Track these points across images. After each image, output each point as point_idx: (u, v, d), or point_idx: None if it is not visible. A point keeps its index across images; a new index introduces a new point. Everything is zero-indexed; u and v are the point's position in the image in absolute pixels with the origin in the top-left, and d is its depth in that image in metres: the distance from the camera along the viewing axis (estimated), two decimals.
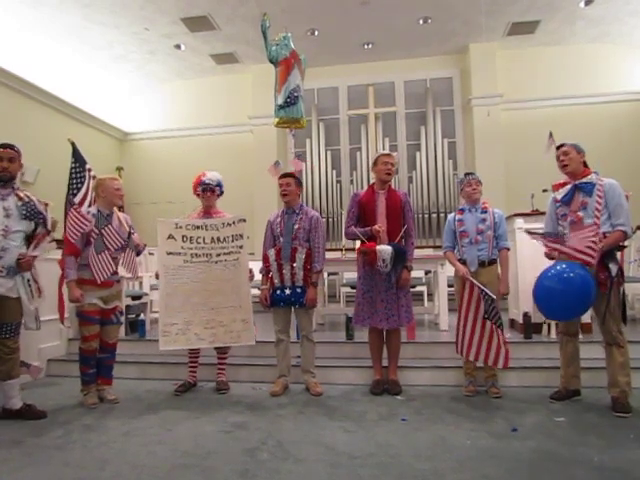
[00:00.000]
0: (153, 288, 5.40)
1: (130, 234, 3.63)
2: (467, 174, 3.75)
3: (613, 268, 3.06)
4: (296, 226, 3.76)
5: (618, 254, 3.17)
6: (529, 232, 3.49)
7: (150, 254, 6.17)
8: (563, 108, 8.00)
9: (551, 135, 3.43)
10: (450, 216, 3.81)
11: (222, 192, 4.04)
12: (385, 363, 3.84)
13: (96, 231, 3.46)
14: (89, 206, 4.33)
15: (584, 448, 2.57)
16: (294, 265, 3.71)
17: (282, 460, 2.50)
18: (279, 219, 3.83)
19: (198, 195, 3.96)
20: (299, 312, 3.80)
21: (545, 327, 4.38)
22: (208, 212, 3.94)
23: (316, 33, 7.73)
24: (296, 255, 3.71)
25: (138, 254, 3.79)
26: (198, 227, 3.75)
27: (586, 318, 3.87)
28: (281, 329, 3.81)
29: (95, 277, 3.42)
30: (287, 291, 3.72)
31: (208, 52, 8.24)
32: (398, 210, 3.70)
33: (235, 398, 3.65)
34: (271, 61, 5.04)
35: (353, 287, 6.13)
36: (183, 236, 3.72)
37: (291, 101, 4.87)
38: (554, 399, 3.38)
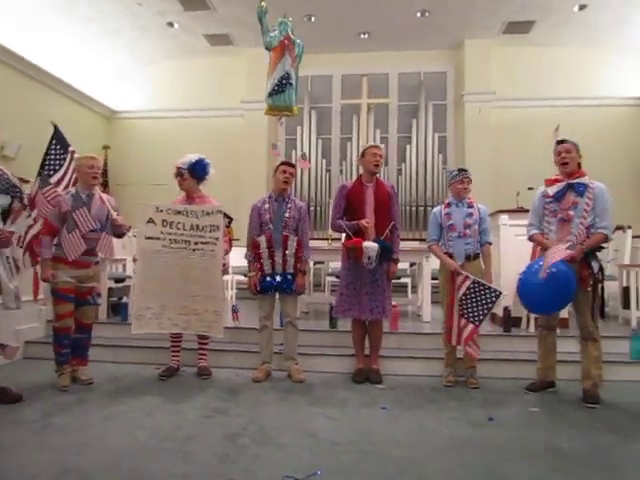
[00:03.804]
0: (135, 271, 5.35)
1: (109, 215, 3.57)
2: (461, 170, 3.73)
3: (595, 266, 3.19)
4: (287, 215, 3.76)
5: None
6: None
7: (134, 236, 6.09)
8: (553, 109, 8.05)
9: (558, 129, 3.42)
10: (436, 209, 3.83)
11: (202, 176, 3.89)
12: (367, 352, 3.87)
13: (71, 211, 3.43)
14: (66, 187, 4.21)
15: (555, 436, 2.67)
16: (286, 252, 3.71)
17: (263, 445, 2.52)
18: (267, 205, 3.80)
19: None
20: (286, 298, 3.81)
21: (524, 321, 4.46)
22: (190, 197, 3.87)
23: (313, 19, 7.65)
24: (288, 243, 3.71)
25: (121, 235, 3.74)
26: (179, 212, 3.69)
27: (564, 313, 3.96)
28: (266, 315, 3.81)
29: (66, 255, 3.39)
30: (278, 278, 3.72)
31: (202, 32, 8.11)
32: (386, 203, 3.71)
33: (217, 384, 3.66)
34: (267, 48, 4.99)
35: (339, 277, 6.16)
36: (163, 220, 3.66)
37: (280, 89, 4.82)
38: (529, 390, 3.48)
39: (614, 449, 2.51)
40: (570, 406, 3.18)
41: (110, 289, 5.05)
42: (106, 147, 9.02)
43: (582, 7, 7.00)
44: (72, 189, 3.60)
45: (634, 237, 5.58)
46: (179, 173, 3.83)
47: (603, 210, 3.19)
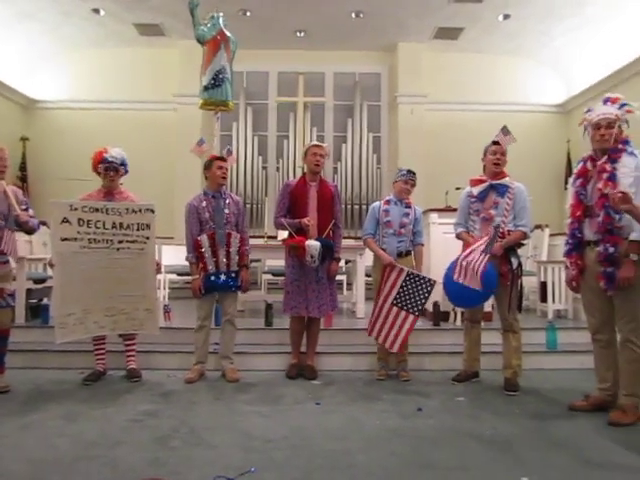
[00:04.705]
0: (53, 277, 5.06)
1: (10, 210, 3.29)
2: (410, 172, 3.81)
3: (514, 262, 3.41)
4: (227, 211, 3.71)
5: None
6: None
7: None
8: (479, 113, 8.43)
9: (505, 128, 3.54)
10: (375, 204, 3.92)
11: (127, 171, 3.76)
12: (303, 349, 3.90)
13: None
14: None
15: (478, 423, 2.83)
16: (230, 250, 3.65)
17: (194, 446, 2.47)
18: (204, 203, 3.70)
19: (99, 173, 3.68)
20: (226, 296, 3.76)
21: (452, 315, 4.68)
22: (110, 193, 3.68)
23: (248, 14, 7.54)
24: (231, 240, 3.66)
25: (30, 232, 3.49)
26: (97, 210, 3.46)
27: (487, 307, 4.20)
28: (206, 315, 3.74)
29: None
30: (222, 277, 3.65)
31: (131, 21, 7.73)
32: (329, 203, 3.77)
33: (147, 386, 3.53)
34: (198, 41, 4.88)
35: (275, 274, 6.15)
36: (79, 219, 3.42)
37: (216, 83, 4.74)
38: (456, 381, 3.65)
39: (532, 433, 2.69)
40: (492, 394, 3.37)
41: (29, 290, 4.72)
42: (24, 139, 8.38)
43: (506, 17, 7.40)
44: None
45: (551, 235, 6.01)
46: (112, 167, 3.62)
47: (522, 209, 3.41)
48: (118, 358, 3.80)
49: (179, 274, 6.30)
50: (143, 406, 3.07)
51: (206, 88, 4.89)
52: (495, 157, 3.47)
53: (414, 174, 3.82)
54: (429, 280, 3.61)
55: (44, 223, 4.38)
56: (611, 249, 2.73)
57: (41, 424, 2.76)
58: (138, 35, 8.19)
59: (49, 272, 5.09)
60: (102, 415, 2.92)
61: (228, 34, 5.00)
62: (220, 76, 4.75)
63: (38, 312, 4.61)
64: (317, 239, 3.58)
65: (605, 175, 2.78)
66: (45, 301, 4.64)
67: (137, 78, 8.61)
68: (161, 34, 8.16)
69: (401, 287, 3.61)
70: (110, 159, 3.62)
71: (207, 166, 3.79)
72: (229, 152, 4.90)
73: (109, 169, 3.63)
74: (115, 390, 3.43)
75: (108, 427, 2.72)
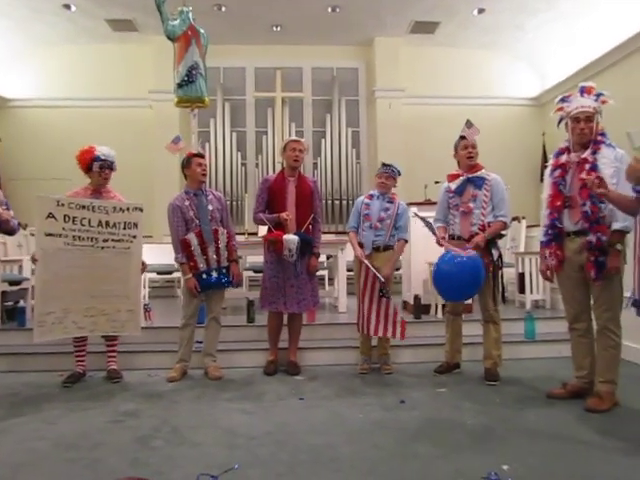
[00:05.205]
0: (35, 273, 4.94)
1: None
2: (384, 165, 3.81)
3: (495, 253, 3.46)
4: (210, 207, 3.69)
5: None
6: (422, 219, 3.65)
7: (32, 235, 5.61)
8: (456, 107, 8.50)
9: (468, 121, 3.57)
10: (360, 198, 3.95)
11: (114, 170, 3.73)
12: (282, 345, 3.89)
13: None
14: None
15: (460, 413, 2.87)
16: (219, 246, 3.64)
17: (177, 446, 2.45)
18: (187, 202, 3.67)
19: (88, 171, 3.61)
20: (215, 294, 3.75)
21: (433, 307, 4.72)
22: (98, 192, 3.63)
23: (223, 9, 7.47)
24: (219, 236, 3.65)
25: (10, 232, 3.41)
26: (84, 207, 3.43)
27: (468, 299, 4.24)
28: (192, 313, 3.72)
29: None
30: (214, 274, 3.63)
31: (103, 17, 7.58)
32: (308, 198, 3.76)
33: (128, 387, 3.48)
34: (169, 37, 4.80)
35: (256, 271, 6.12)
36: (65, 215, 3.37)
37: (190, 79, 4.67)
38: (438, 372, 3.69)
39: (511, 421, 2.74)
40: (473, 385, 3.42)
41: (4, 292, 4.61)
42: None
43: (481, 11, 7.49)
44: None
45: (528, 227, 6.11)
46: (107, 165, 3.58)
47: (500, 200, 3.46)
48: (99, 359, 3.74)
49: (159, 273, 6.23)
50: (124, 406, 3.04)
51: (180, 85, 4.81)
52: (467, 151, 3.50)
53: (388, 167, 3.78)
54: (385, 291, 3.56)
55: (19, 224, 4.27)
56: (603, 238, 2.77)
57: (19, 428, 2.71)
58: (111, 31, 8.04)
59: (25, 273, 5.00)
60: (82, 417, 2.87)
61: (199, 29, 4.91)
62: (193, 72, 4.68)
63: (14, 315, 4.50)
64: (295, 233, 3.58)
65: (587, 166, 2.83)
66: (21, 303, 4.54)
67: (111, 75, 8.46)
68: (134, 30, 8.03)
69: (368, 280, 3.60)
70: (104, 157, 3.58)
71: (185, 164, 3.74)
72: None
73: (104, 167, 3.58)
74: (95, 391, 3.37)
75: (88, 429, 2.67)
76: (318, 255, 3.82)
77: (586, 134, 2.87)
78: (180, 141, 4.48)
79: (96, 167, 3.56)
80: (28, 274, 4.96)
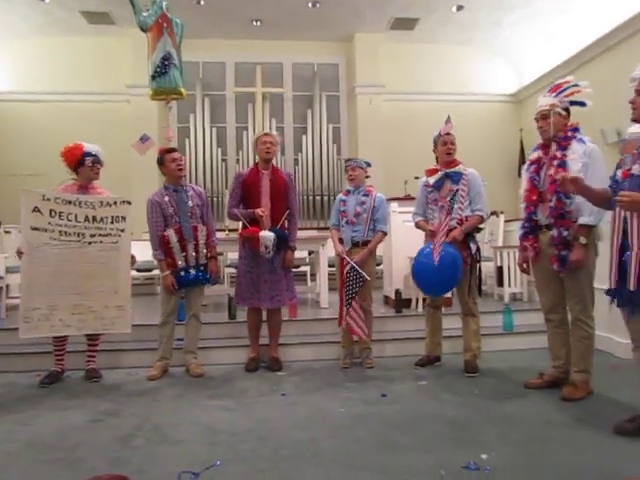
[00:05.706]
0: (10, 271, 4.83)
1: None
2: (347, 160, 3.91)
3: (473, 247, 3.51)
4: (190, 203, 3.64)
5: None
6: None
7: (6, 232, 5.48)
8: (435, 103, 8.55)
9: (448, 118, 3.63)
10: (338, 195, 3.99)
11: (102, 165, 3.71)
12: (262, 341, 3.89)
13: None
14: None
15: (441, 405, 2.91)
16: (199, 243, 3.61)
17: (158, 444, 2.43)
18: (167, 198, 3.62)
19: (78, 167, 3.55)
20: (193, 291, 3.71)
21: (414, 302, 4.77)
22: (85, 187, 3.58)
23: (202, 2, 7.36)
24: (198, 233, 3.62)
25: None
26: (70, 202, 3.39)
27: (448, 293, 4.30)
28: (171, 311, 3.68)
29: None
30: (192, 271, 3.60)
31: (78, 8, 7.41)
32: (282, 191, 3.74)
33: (108, 386, 3.44)
34: (142, 29, 4.68)
35: (237, 267, 6.08)
36: (51, 210, 3.34)
37: (162, 70, 4.55)
38: (419, 365, 3.73)
39: (490, 411, 2.79)
40: (453, 377, 3.47)
41: None
42: None
43: (459, 8, 7.54)
44: None
45: (506, 221, 6.22)
46: (98, 161, 3.56)
47: (477, 194, 3.52)
48: (78, 358, 3.68)
49: (139, 270, 6.15)
50: (104, 406, 3.00)
51: (153, 77, 4.69)
52: (446, 147, 3.56)
53: (350, 160, 3.89)
54: (362, 276, 3.58)
55: None
56: (565, 232, 2.85)
57: None
58: (87, 24, 7.86)
59: (0, 272, 4.89)
60: (60, 417, 2.82)
61: (172, 17, 4.79)
62: (166, 62, 4.54)
63: None
64: (271, 229, 3.57)
65: (556, 162, 2.91)
66: None
67: (87, 68, 8.28)
68: (111, 22, 7.87)
69: (346, 276, 3.62)
70: (95, 152, 3.56)
71: (160, 162, 3.69)
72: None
73: (97, 162, 3.57)
74: (74, 391, 3.32)
75: (67, 429, 2.63)
76: (294, 249, 3.82)
77: (546, 131, 2.97)
78: (148, 140, 4.36)
79: (89, 162, 3.54)
80: (2, 272, 4.85)
